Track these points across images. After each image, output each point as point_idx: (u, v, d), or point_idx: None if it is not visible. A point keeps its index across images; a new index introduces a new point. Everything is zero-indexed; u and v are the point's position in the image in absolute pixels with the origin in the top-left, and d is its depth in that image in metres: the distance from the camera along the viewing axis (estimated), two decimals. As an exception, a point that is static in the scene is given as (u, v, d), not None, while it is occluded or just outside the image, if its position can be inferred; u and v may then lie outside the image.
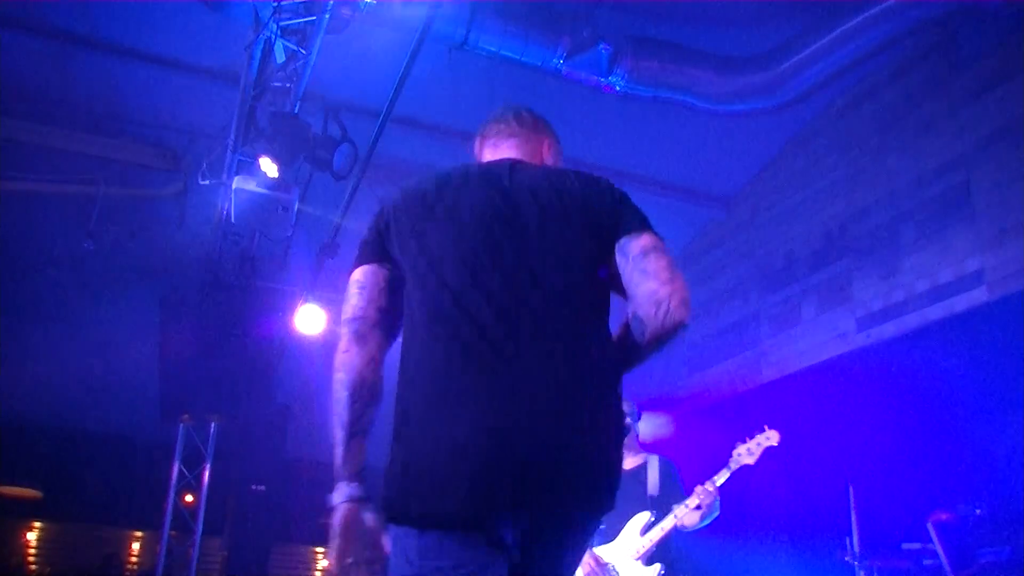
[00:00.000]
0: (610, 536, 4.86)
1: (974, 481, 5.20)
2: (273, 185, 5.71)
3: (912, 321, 5.96)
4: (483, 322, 1.89)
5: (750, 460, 4.53)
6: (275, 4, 4.91)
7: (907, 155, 6.23)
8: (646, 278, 2.00)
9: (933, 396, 6.28)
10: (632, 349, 2.03)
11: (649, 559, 4.66)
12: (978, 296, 5.46)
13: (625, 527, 4.80)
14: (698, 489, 4.57)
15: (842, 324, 6.56)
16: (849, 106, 6.85)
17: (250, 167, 5.63)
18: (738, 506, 4.85)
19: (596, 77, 5.79)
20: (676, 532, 4.66)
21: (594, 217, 2.09)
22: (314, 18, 5.05)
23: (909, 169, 6.20)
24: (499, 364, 1.85)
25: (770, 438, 4.54)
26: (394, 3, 5.17)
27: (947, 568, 5.16)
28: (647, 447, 5.26)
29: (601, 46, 5.68)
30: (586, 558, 4.77)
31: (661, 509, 4.74)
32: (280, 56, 5.14)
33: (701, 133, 6.80)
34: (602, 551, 4.80)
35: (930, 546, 5.31)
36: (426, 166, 6.93)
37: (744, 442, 4.60)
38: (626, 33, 5.74)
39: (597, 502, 1.84)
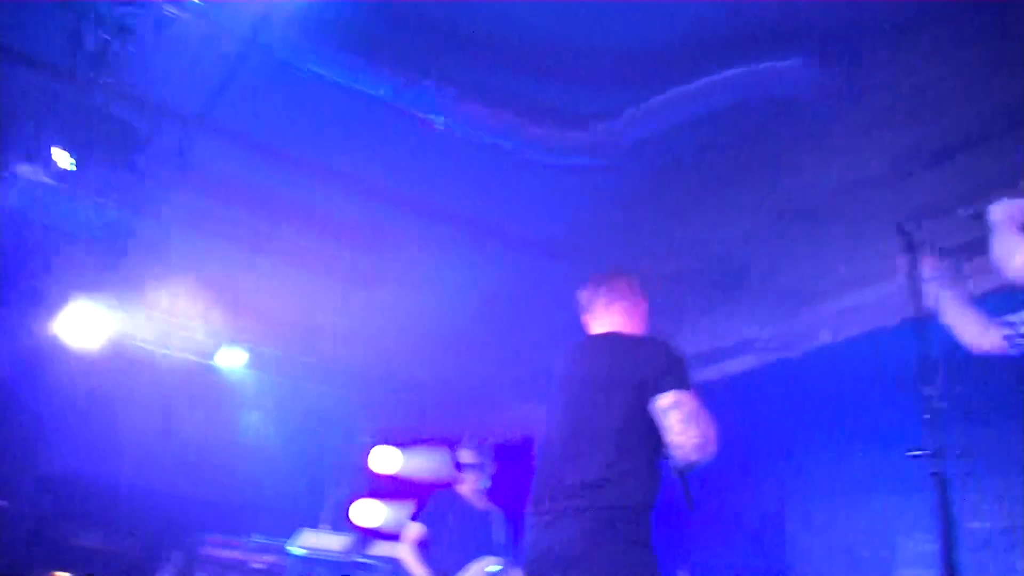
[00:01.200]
0: (450, 574, 4.81)
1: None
2: (62, 176, 5.35)
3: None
4: (553, 471, 2.88)
5: None
6: (94, -10, 4.64)
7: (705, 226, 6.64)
8: (668, 431, 2.79)
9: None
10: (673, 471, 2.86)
11: None
12: (750, 361, 5.96)
13: (470, 568, 4.77)
14: None
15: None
16: (667, 170, 7.18)
17: (45, 157, 5.25)
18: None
19: (422, 113, 5.85)
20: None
21: (644, 383, 2.87)
22: (135, 11, 4.82)
23: (704, 239, 6.62)
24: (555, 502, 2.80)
25: None
26: (223, 7, 5.02)
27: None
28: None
29: (429, 83, 5.75)
30: None
31: (508, 558, 4.82)
32: (95, 47, 4.85)
33: (528, 180, 6.97)
34: None
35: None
36: (237, 179, 6.73)
37: None
38: (457, 74, 5.84)
39: None
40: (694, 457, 2.75)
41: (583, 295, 3.36)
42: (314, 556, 7.00)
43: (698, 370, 6.26)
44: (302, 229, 7.15)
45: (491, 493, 5.27)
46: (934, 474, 2.22)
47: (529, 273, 8.26)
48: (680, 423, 2.77)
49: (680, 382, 2.88)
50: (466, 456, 5.23)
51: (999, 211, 2.88)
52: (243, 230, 6.84)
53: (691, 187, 6.95)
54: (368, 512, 8.56)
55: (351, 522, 8.49)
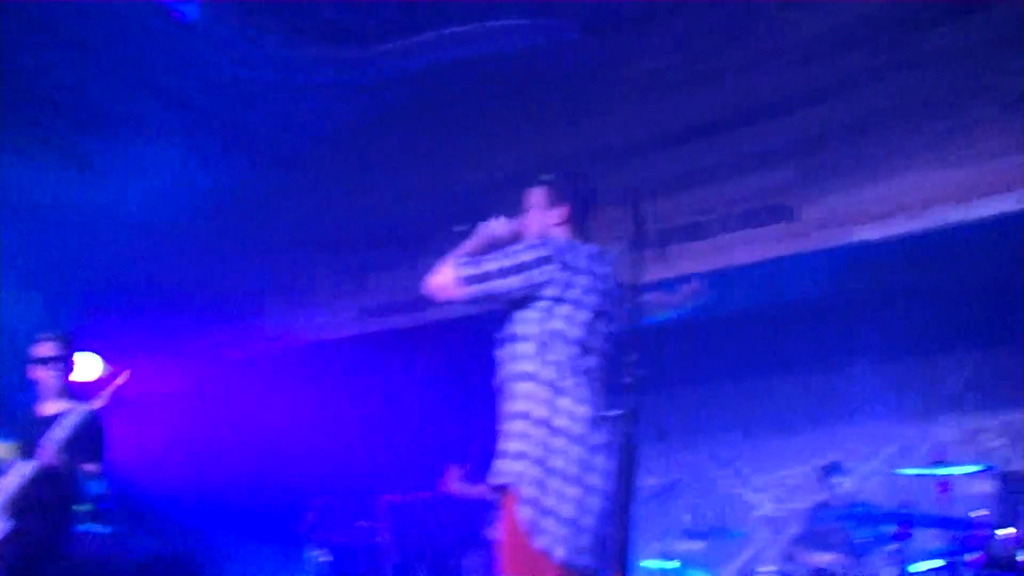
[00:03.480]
0: None
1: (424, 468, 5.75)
2: None
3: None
4: None
5: (101, 403, 4.44)
6: None
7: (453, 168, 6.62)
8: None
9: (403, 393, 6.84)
10: None
11: (7, 509, 4.32)
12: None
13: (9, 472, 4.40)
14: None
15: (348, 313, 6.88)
16: (421, 106, 7.09)
17: None
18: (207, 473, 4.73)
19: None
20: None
21: None
22: None
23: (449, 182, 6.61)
24: None
25: (124, 376, 4.49)
26: None
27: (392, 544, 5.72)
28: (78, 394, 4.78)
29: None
30: None
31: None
32: None
33: (283, 91, 6.52)
34: None
35: (380, 524, 5.83)
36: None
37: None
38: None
39: None
40: None
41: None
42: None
43: (416, 314, 6.35)
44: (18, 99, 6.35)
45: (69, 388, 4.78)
46: (626, 434, 2.37)
47: (264, 183, 7.93)
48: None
49: None
50: (44, 350, 4.82)
51: (484, 228, 3.06)
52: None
53: (444, 127, 6.96)
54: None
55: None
